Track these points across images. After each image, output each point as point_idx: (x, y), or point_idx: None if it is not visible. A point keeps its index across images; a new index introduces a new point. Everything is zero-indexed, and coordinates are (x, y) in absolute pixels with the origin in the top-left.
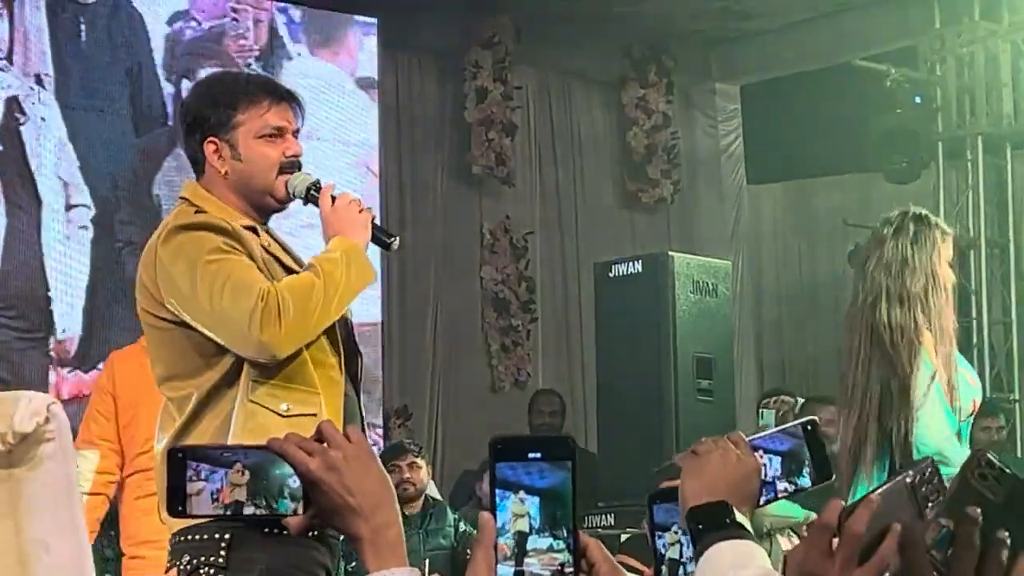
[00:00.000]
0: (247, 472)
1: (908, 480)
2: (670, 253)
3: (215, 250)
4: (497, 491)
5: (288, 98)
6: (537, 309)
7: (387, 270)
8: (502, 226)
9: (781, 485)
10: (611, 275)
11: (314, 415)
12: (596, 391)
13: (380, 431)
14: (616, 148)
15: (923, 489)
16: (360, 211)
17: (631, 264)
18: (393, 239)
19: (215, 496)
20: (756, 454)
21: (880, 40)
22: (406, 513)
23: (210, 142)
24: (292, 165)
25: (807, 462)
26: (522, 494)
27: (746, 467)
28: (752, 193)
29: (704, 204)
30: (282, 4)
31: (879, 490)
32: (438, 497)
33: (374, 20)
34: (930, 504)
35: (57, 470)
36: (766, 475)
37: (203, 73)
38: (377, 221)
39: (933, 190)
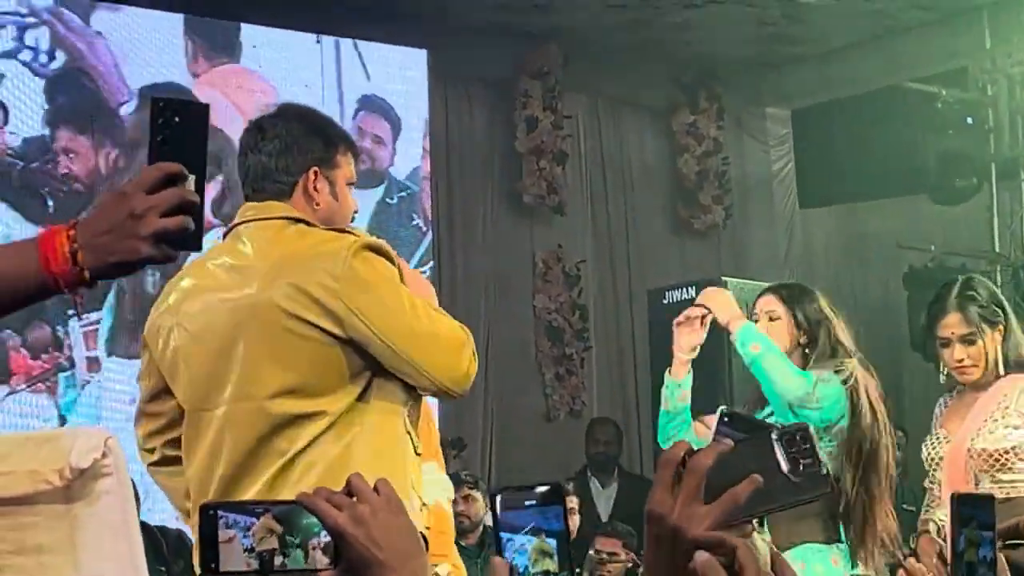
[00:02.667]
0: (278, 523)
1: (775, 435)
2: (724, 278)
3: (399, 278)
4: (503, 535)
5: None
6: (591, 337)
7: (439, 301)
8: (554, 255)
9: None
10: (665, 301)
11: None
12: (652, 418)
13: None
14: (667, 175)
15: (791, 449)
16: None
17: (685, 290)
18: None
19: (247, 547)
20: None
21: (930, 62)
22: (463, 544)
23: (314, 171)
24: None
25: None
26: (542, 536)
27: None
28: (804, 217)
29: (756, 229)
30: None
31: (743, 439)
32: None
33: (424, 52)
34: (801, 465)
35: (115, 504)
36: None
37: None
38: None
39: (986, 212)
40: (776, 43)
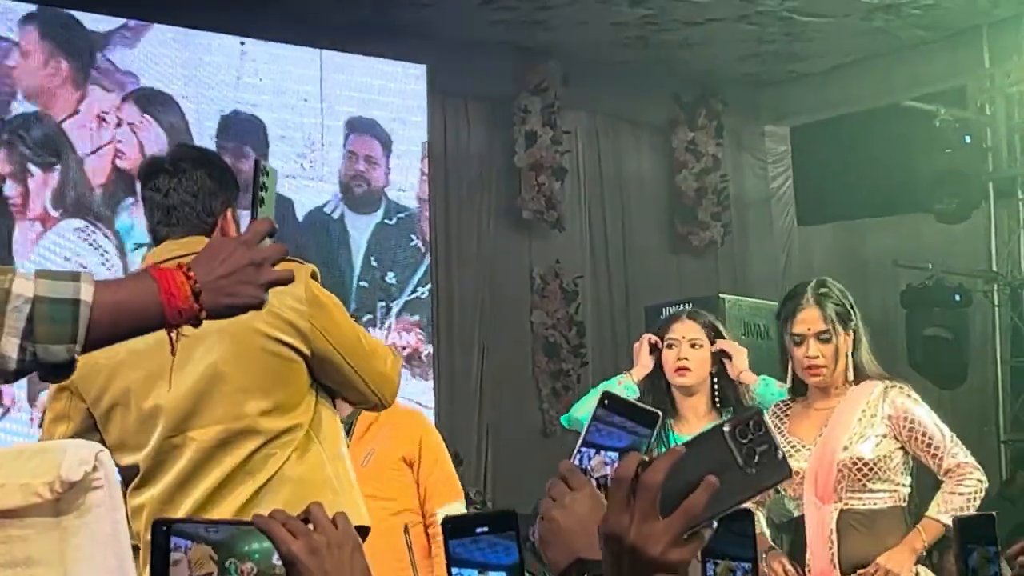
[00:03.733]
0: (217, 548)
1: (727, 429)
2: (721, 295)
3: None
4: (453, 570)
5: None
6: (588, 353)
7: (436, 315)
8: (552, 270)
9: None
10: (662, 318)
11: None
12: None
13: None
14: (665, 191)
15: (746, 439)
16: None
17: (681, 307)
18: None
19: (191, 570)
20: (596, 460)
21: (929, 81)
22: None
23: (230, 211)
24: None
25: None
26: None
27: (583, 506)
28: (802, 234)
29: (754, 246)
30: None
31: (694, 440)
32: None
33: (423, 67)
34: (757, 455)
35: (105, 517)
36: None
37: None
38: None
39: (984, 231)
40: (776, 61)
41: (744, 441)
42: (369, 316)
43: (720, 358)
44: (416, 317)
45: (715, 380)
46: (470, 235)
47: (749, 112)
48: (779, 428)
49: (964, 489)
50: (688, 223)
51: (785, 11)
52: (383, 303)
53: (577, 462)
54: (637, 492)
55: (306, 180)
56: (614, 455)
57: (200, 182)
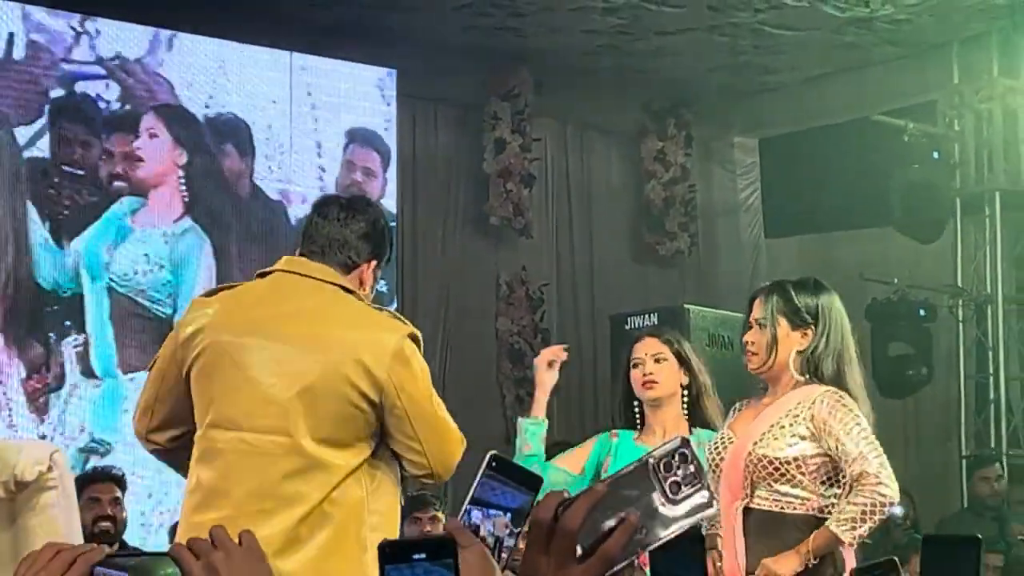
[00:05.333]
0: (134, 571)
1: (652, 462)
2: (686, 306)
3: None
4: None
5: None
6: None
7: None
8: (518, 277)
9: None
10: (627, 327)
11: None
12: None
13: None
14: (634, 200)
15: (669, 473)
16: None
17: (647, 316)
18: None
19: None
20: (485, 515)
21: (899, 95)
22: None
23: (374, 263)
24: None
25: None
26: None
27: (472, 564)
28: (769, 246)
29: (721, 257)
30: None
31: (618, 475)
32: None
33: (392, 71)
34: (683, 487)
35: (60, 517)
36: (502, 535)
37: None
38: None
39: (951, 246)
40: (747, 72)
41: (668, 474)
42: None
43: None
44: None
45: (685, 394)
46: (436, 240)
47: (719, 123)
48: (725, 424)
49: (860, 500)
50: (655, 232)
51: (757, 23)
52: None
53: (465, 520)
54: (555, 535)
55: (274, 183)
56: (500, 513)
57: (368, 228)
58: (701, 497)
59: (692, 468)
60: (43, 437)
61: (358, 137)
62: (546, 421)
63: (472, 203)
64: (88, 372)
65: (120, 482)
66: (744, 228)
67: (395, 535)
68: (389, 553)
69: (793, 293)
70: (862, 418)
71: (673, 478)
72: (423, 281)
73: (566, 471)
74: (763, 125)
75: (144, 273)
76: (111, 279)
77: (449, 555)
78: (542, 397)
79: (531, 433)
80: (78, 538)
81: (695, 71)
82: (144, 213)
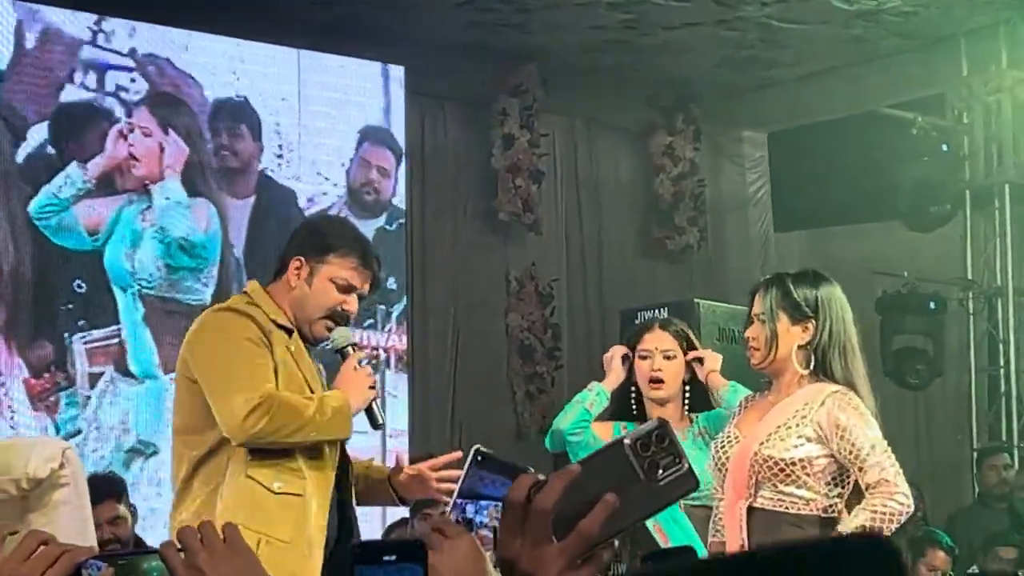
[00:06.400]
0: (122, 568)
1: (628, 443)
2: (696, 300)
3: (247, 339)
4: None
5: (374, 270)
6: (562, 356)
7: (411, 317)
8: (528, 273)
9: None
10: (637, 322)
11: (300, 495)
12: None
13: None
14: (642, 195)
15: (647, 453)
16: (370, 386)
17: (657, 311)
18: (380, 424)
19: None
20: (477, 508)
21: (907, 88)
22: None
23: (298, 260)
24: (341, 317)
25: None
26: None
27: (462, 553)
28: (779, 240)
29: (730, 251)
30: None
31: (592, 456)
32: None
33: (401, 68)
34: (661, 468)
35: (72, 514)
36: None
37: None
38: (378, 401)
39: (960, 239)
40: (754, 66)
41: (646, 455)
42: (370, 320)
43: (692, 363)
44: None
45: (687, 388)
46: (446, 236)
47: (727, 117)
48: (732, 421)
49: (879, 507)
50: (665, 227)
51: (764, 17)
52: (383, 307)
53: (456, 514)
54: (528, 515)
55: (281, 179)
56: (491, 504)
57: (295, 233)
58: (682, 476)
59: (672, 447)
60: (72, 436)
61: (371, 135)
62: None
63: (481, 199)
64: (125, 372)
65: (119, 495)
66: (753, 222)
67: (252, 523)
68: (360, 554)
69: (792, 286)
70: (873, 420)
71: (651, 458)
72: (432, 278)
73: None
74: (771, 119)
75: (169, 269)
76: (140, 284)
77: (418, 559)
78: (615, 382)
79: (600, 397)
80: (91, 534)
81: (703, 66)
82: (152, 211)
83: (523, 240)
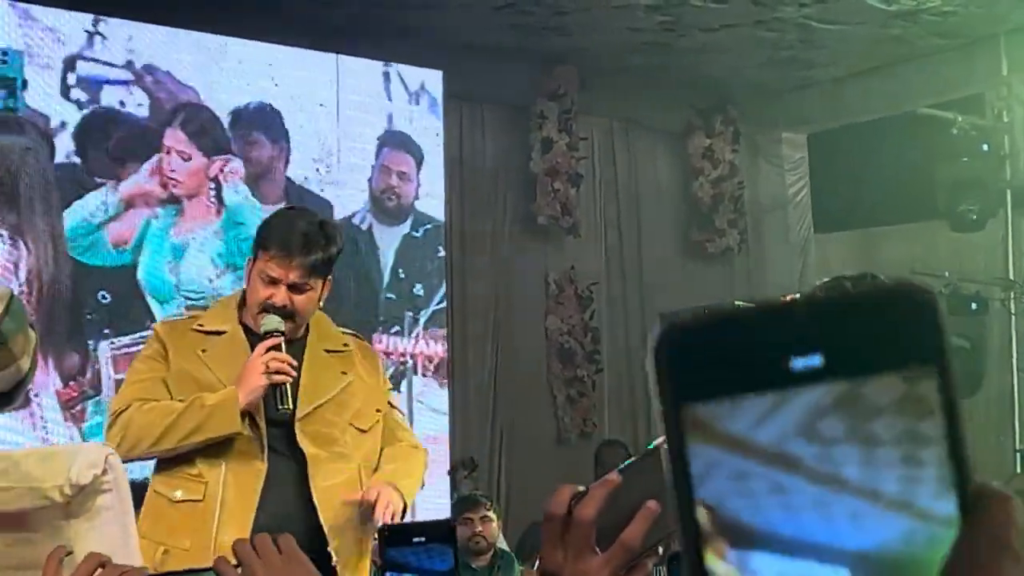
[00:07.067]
0: None
1: (662, 448)
2: (737, 303)
3: (143, 358)
4: (388, 573)
5: (298, 256)
6: (602, 359)
7: (451, 319)
8: (567, 276)
9: None
10: None
11: (199, 500)
12: None
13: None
14: (681, 198)
15: None
16: (274, 372)
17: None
18: (282, 408)
19: None
20: None
21: (946, 88)
22: (474, 566)
23: (249, 259)
24: (276, 310)
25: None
26: None
27: None
28: (819, 242)
29: (770, 253)
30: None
31: (631, 464)
32: (507, 549)
33: (439, 72)
34: None
35: (114, 521)
36: None
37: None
38: (287, 387)
39: (1001, 239)
40: (793, 67)
41: None
42: (397, 328)
43: None
44: (443, 328)
45: None
46: (485, 240)
47: (766, 119)
48: None
49: None
50: (704, 230)
51: (802, 18)
52: (411, 314)
53: None
54: (570, 527)
55: (324, 185)
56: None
57: None
58: None
59: None
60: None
61: (391, 141)
62: None
63: (520, 203)
64: None
65: None
66: (793, 224)
67: (153, 534)
68: (390, 537)
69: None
70: None
71: None
72: (472, 282)
73: None
74: (810, 120)
75: (218, 275)
76: (185, 296)
77: (449, 539)
78: None
79: None
80: (133, 543)
81: (741, 67)
82: (181, 222)
83: (562, 243)
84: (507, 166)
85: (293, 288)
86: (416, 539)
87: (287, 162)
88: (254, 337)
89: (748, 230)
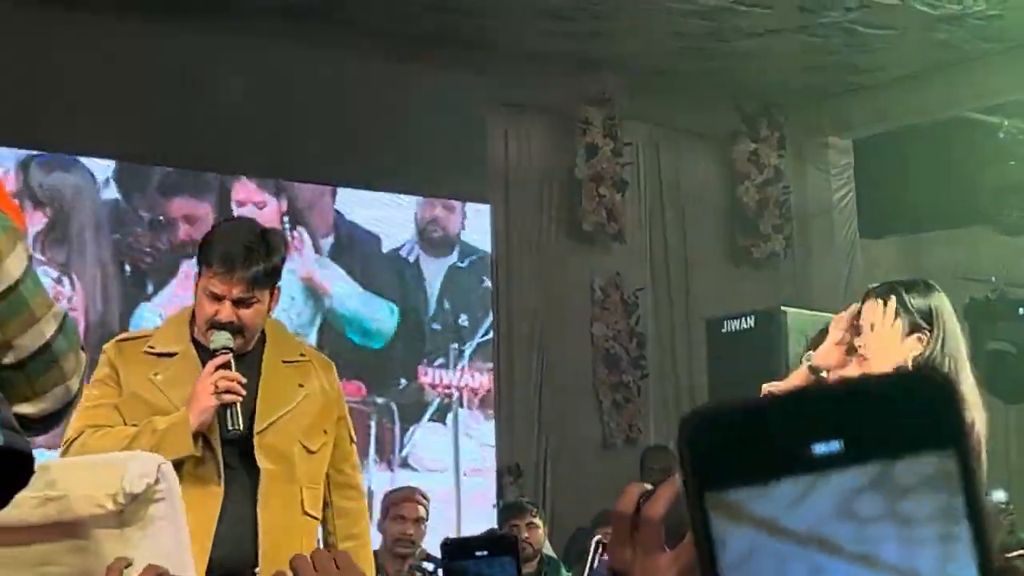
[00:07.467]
0: None
1: None
2: (784, 308)
3: (96, 381)
4: None
5: (240, 270)
6: (648, 365)
7: (497, 326)
8: (613, 282)
9: None
10: (724, 331)
11: None
12: None
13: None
14: (727, 203)
15: None
16: (216, 392)
17: (744, 320)
18: (232, 430)
19: None
20: None
21: (993, 92)
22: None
23: (197, 274)
24: (223, 326)
25: None
26: None
27: None
28: (865, 247)
29: (816, 259)
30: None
31: None
32: (553, 555)
33: (484, 78)
34: None
35: (167, 529)
36: None
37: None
38: (238, 406)
39: None
40: (838, 72)
41: None
42: (442, 359)
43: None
44: (488, 362)
45: None
46: (531, 247)
47: (812, 124)
48: None
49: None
50: (750, 235)
51: (848, 22)
52: (455, 345)
53: None
54: (639, 526)
55: (370, 220)
56: None
57: None
58: None
59: None
60: None
61: None
62: None
63: (565, 209)
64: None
65: None
66: (839, 229)
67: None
68: (452, 550)
69: (906, 295)
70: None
71: None
72: (518, 288)
73: None
74: (856, 125)
75: (288, 308)
76: None
77: (510, 551)
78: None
79: None
80: (186, 552)
81: (786, 72)
82: None
83: (607, 249)
84: (552, 172)
85: (238, 303)
86: (478, 552)
87: (334, 195)
88: (206, 354)
89: (794, 235)
